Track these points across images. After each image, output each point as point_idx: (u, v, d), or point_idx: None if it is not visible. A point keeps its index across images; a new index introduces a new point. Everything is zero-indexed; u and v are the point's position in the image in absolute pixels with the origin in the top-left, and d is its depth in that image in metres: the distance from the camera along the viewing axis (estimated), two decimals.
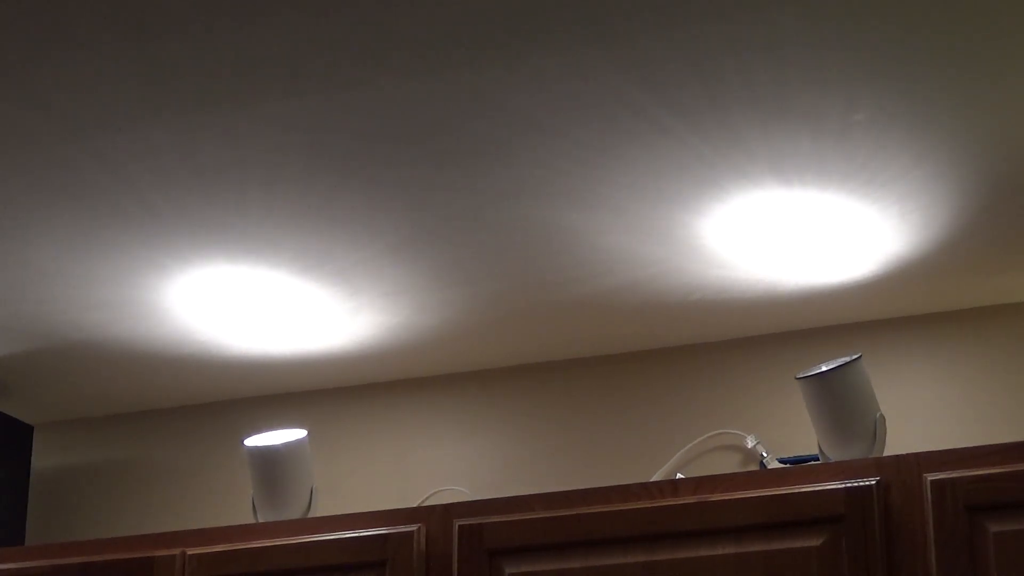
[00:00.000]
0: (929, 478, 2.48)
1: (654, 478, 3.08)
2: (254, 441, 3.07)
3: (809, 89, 2.35)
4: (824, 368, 2.76)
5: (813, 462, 2.86)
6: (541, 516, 2.69)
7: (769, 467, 3.03)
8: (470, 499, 2.91)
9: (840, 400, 2.74)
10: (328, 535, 2.81)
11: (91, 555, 2.97)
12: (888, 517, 2.50)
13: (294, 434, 3.07)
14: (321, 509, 3.07)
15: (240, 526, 2.93)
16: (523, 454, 3.28)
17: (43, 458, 3.59)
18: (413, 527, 2.76)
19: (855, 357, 2.76)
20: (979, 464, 2.47)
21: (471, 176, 2.62)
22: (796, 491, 2.55)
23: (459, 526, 2.72)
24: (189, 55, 2.30)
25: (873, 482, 2.51)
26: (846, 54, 2.28)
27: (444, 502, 2.87)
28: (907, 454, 2.54)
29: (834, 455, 2.75)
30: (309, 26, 2.23)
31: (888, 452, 2.71)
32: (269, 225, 2.77)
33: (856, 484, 2.52)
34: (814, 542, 2.51)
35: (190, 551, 2.88)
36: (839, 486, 2.53)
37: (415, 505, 3.15)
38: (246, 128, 2.48)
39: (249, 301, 3.04)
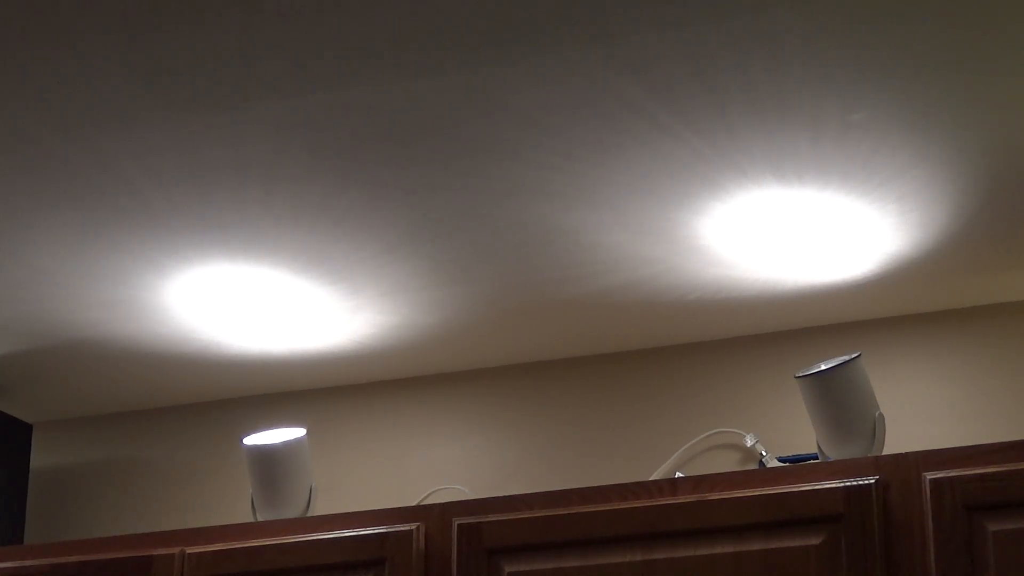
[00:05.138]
0: (928, 477, 2.48)
1: (653, 477, 3.08)
2: (253, 440, 3.07)
3: (808, 88, 2.35)
4: (823, 367, 2.76)
5: (812, 461, 2.86)
6: (540, 515, 2.69)
7: (768, 466, 3.03)
8: (469, 498, 2.91)
9: (839, 399, 2.74)
10: (327, 534, 2.81)
11: (90, 554, 2.97)
12: (887, 516, 2.50)
13: (293, 433, 3.07)
14: (320, 508, 3.07)
15: (239, 525, 2.93)
16: (522, 453, 3.28)
17: (42, 457, 3.59)
18: (412, 526, 2.76)
19: (854, 356, 2.76)
20: (978, 463, 2.47)
21: (470, 175, 2.62)
22: (795, 490, 2.55)
23: (458, 525, 2.72)
24: (188, 55, 2.30)
25: (872, 481, 2.51)
26: (846, 54, 2.28)
27: (443, 501, 2.87)
28: (906, 453, 2.54)
29: (833, 454, 2.75)
30: (308, 26, 2.23)
31: (887, 451, 2.71)
32: (268, 224, 2.77)
33: (855, 483, 2.52)
34: (813, 541, 2.51)
35: (189, 550, 2.88)
36: (838, 485, 2.53)
37: (414, 504, 3.15)
38: (245, 128, 2.48)
39: (248, 300, 3.04)
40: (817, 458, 2.83)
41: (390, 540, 2.76)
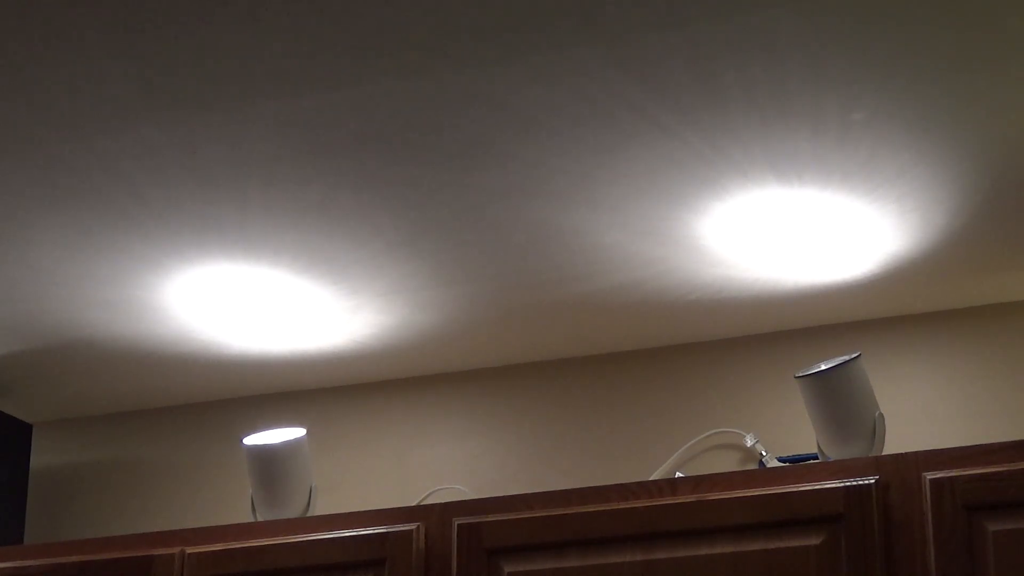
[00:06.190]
0: (928, 477, 2.48)
1: (653, 477, 3.08)
2: (253, 440, 3.07)
3: (808, 88, 2.35)
4: (823, 367, 2.76)
5: (812, 461, 2.86)
6: (540, 515, 2.69)
7: (768, 466, 3.03)
8: (469, 498, 2.92)
9: (839, 399, 2.74)
10: (327, 534, 2.81)
11: (90, 554, 2.97)
12: (887, 516, 2.50)
13: (293, 433, 3.07)
14: (320, 508, 3.07)
15: (239, 525, 2.93)
16: (522, 453, 3.28)
17: (42, 457, 3.59)
18: (412, 526, 2.76)
19: (854, 356, 2.76)
20: (978, 463, 2.48)
21: (470, 175, 2.62)
22: (795, 490, 2.55)
23: (458, 525, 2.72)
24: (188, 55, 2.30)
25: (872, 481, 2.51)
26: (846, 54, 2.28)
27: (443, 501, 2.87)
28: (906, 453, 2.54)
29: (833, 454, 2.75)
30: (308, 26, 2.23)
31: (887, 451, 2.71)
32: (268, 224, 2.77)
33: (855, 483, 2.52)
34: (813, 541, 2.51)
35: (189, 550, 2.88)
36: (838, 485, 2.53)
37: (414, 504, 3.15)
38: (245, 127, 2.48)
39: (248, 300, 3.04)
40: (817, 458, 2.83)
41: (390, 540, 2.76)
